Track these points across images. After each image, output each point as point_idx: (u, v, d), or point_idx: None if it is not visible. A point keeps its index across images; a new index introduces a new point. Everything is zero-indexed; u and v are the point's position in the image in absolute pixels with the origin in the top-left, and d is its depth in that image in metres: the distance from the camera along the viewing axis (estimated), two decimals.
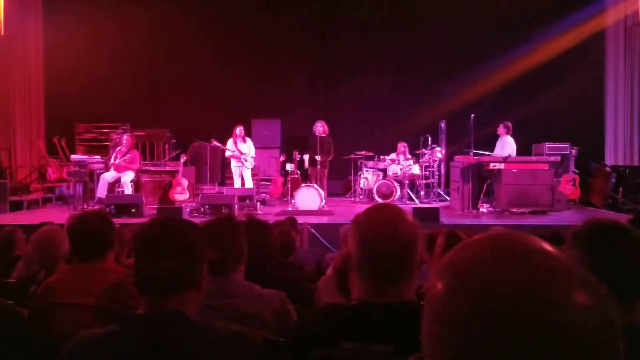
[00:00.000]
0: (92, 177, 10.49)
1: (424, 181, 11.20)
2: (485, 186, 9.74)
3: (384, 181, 10.72)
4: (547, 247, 0.65)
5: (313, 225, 7.79)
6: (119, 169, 10.32)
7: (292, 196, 9.86)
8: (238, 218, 2.76)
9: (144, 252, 1.66)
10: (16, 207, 10.18)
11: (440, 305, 0.65)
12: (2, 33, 11.70)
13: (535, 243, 0.65)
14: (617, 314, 0.61)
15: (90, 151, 12.13)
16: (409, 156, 11.30)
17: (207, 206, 9.00)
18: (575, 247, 1.57)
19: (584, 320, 0.58)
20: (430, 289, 0.67)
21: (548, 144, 10.98)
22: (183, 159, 10.66)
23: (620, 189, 10.27)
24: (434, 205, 10.03)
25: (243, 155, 10.90)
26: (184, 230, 1.70)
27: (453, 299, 0.63)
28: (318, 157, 10.60)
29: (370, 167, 11.21)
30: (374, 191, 10.57)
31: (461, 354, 0.61)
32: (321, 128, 10.78)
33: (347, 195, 11.97)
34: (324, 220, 8.53)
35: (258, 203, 9.99)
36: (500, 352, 0.58)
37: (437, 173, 11.36)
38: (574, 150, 10.47)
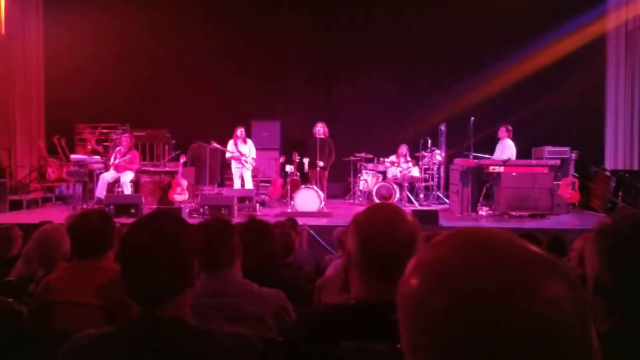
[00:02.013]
0: (92, 177, 10.50)
1: (423, 184, 11.21)
2: (484, 189, 9.74)
3: (383, 183, 10.71)
4: (522, 241, 0.65)
5: (312, 227, 7.79)
6: (119, 169, 10.33)
7: (292, 198, 9.86)
8: (234, 219, 2.78)
9: (129, 263, 1.57)
10: (16, 206, 10.19)
11: (415, 301, 0.65)
12: (3, 32, 11.71)
13: (510, 238, 0.65)
14: (589, 306, 0.62)
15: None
16: (409, 159, 11.30)
17: (206, 207, 9.00)
18: (600, 243, 1.49)
19: (558, 313, 0.59)
20: (404, 283, 0.67)
21: (548, 148, 10.97)
22: (182, 159, 10.67)
23: (620, 193, 10.26)
24: (434, 208, 10.03)
25: (243, 157, 10.91)
26: (171, 235, 1.57)
27: (428, 298, 0.63)
28: (321, 163, 10.60)
29: (370, 170, 11.21)
30: (374, 193, 10.56)
31: (440, 355, 0.61)
32: (321, 129, 10.78)
33: (347, 198, 11.98)
34: (323, 222, 8.53)
35: (257, 204, 10.00)
36: (476, 345, 0.58)
37: (437, 176, 11.37)
38: (574, 154, 10.46)
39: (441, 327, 0.61)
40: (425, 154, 11.06)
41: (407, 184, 10.92)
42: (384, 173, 11.23)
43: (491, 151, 10.47)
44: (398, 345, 0.69)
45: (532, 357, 0.57)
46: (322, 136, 10.76)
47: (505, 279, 0.60)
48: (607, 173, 10.86)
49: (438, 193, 11.35)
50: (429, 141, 11.25)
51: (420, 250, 0.69)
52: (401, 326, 0.67)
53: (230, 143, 10.97)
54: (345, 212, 9.65)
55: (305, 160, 10.93)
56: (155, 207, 9.54)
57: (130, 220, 7.34)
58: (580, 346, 0.59)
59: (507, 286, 0.59)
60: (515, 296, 0.59)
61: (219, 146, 11.03)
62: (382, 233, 1.51)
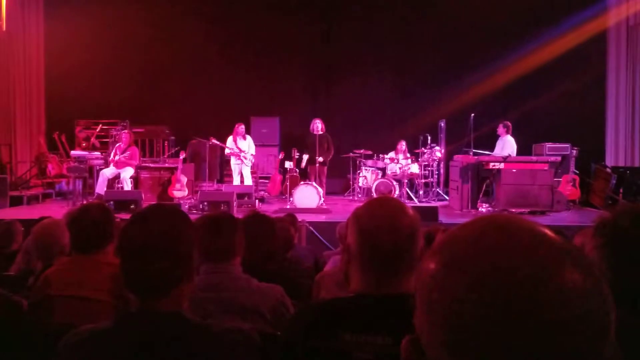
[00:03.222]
0: (92, 173, 10.50)
1: (423, 180, 11.20)
2: (484, 186, 9.74)
3: (382, 180, 10.71)
4: (542, 228, 0.65)
5: (311, 223, 7.81)
6: (119, 165, 10.33)
7: (291, 194, 9.86)
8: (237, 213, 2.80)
9: (129, 253, 1.57)
10: (16, 202, 10.20)
11: (433, 283, 0.65)
12: (4, 29, 11.69)
13: (530, 224, 0.65)
14: (610, 294, 0.61)
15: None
16: (409, 155, 11.30)
17: (205, 203, 9.01)
18: (600, 237, 1.49)
19: (577, 300, 0.58)
20: (423, 269, 0.67)
21: (548, 144, 10.97)
22: (182, 156, 10.68)
23: (621, 190, 10.26)
24: (433, 204, 10.03)
25: (242, 153, 10.90)
26: (170, 225, 1.59)
27: (446, 277, 0.63)
28: (320, 158, 10.59)
29: (369, 166, 11.20)
30: (373, 190, 10.56)
31: (454, 333, 0.61)
32: (319, 125, 10.77)
33: (346, 194, 11.97)
34: (322, 218, 8.54)
35: (256, 200, 10.00)
36: (493, 331, 0.58)
37: (437, 172, 11.36)
38: (574, 151, 10.46)
39: (457, 309, 0.61)
40: (425, 151, 11.05)
41: (406, 181, 10.92)
42: (383, 169, 11.22)
43: (491, 147, 10.47)
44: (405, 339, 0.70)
45: (546, 341, 0.57)
46: (320, 132, 10.75)
47: (524, 263, 0.60)
48: (608, 170, 10.85)
49: (438, 190, 11.35)
50: (429, 138, 11.24)
51: (442, 235, 0.70)
52: (418, 311, 0.67)
53: (230, 139, 10.96)
54: (345, 209, 9.65)
55: (305, 157, 10.94)
56: (154, 203, 9.54)
57: (130, 217, 7.34)
58: (596, 333, 0.59)
59: (526, 270, 0.59)
60: (533, 280, 0.59)
61: (218, 142, 11.03)
62: (382, 226, 1.51)
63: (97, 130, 12.07)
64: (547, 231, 0.65)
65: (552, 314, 0.57)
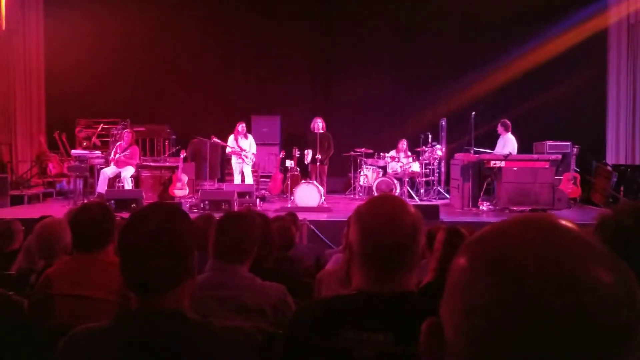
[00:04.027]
0: (93, 172, 10.51)
1: (424, 179, 11.20)
2: (485, 184, 9.73)
3: (383, 179, 10.70)
4: (573, 226, 0.65)
5: (312, 222, 7.79)
6: (119, 164, 10.33)
7: (292, 193, 9.86)
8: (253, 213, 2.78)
9: (128, 252, 1.56)
10: (17, 201, 10.19)
11: (462, 278, 0.64)
12: (4, 28, 11.68)
13: (561, 223, 0.65)
14: (638, 290, 0.61)
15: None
16: (409, 154, 11.29)
17: (206, 202, 9.02)
18: (602, 235, 1.47)
19: (607, 298, 0.58)
20: (454, 264, 0.67)
21: (549, 142, 10.96)
22: (183, 154, 10.68)
23: (622, 188, 10.25)
24: (434, 203, 10.02)
25: (243, 152, 10.90)
26: (169, 224, 1.58)
27: (474, 272, 0.63)
28: (318, 156, 10.58)
29: (370, 165, 11.19)
30: (374, 188, 10.55)
31: (479, 328, 0.61)
32: (320, 124, 10.76)
33: (347, 193, 11.96)
34: (323, 217, 8.53)
35: (257, 199, 10.00)
36: (519, 327, 0.58)
37: (438, 171, 11.35)
38: (575, 149, 10.45)
39: (487, 306, 0.60)
40: (426, 149, 11.04)
41: (407, 179, 10.91)
42: (384, 168, 11.21)
43: (492, 146, 10.45)
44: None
45: (574, 342, 0.57)
46: (321, 131, 10.74)
47: (555, 260, 0.59)
48: (609, 168, 10.85)
49: (439, 188, 11.34)
50: (430, 136, 11.22)
51: (477, 232, 0.70)
52: (446, 306, 0.66)
53: (231, 138, 10.96)
54: (346, 207, 9.65)
55: (307, 152, 10.92)
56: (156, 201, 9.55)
57: None
58: (625, 338, 0.59)
59: (556, 267, 0.59)
60: (563, 277, 0.58)
61: (219, 141, 11.03)
62: (384, 224, 1.51)
63: (99, 129, 12.06)
64: (578, 229, 0.64)
65: (582, 312, 0.57)
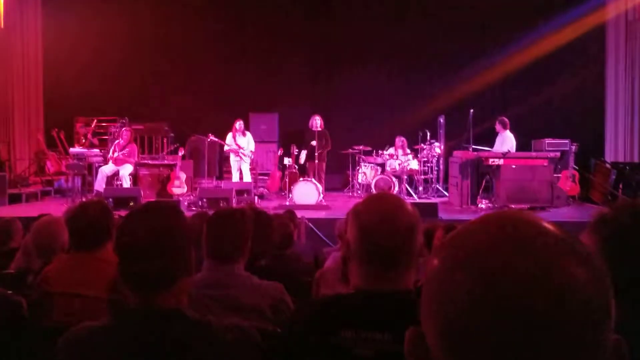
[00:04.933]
0: (91, 170, 10.50)
1: (422, 176, 11.19)
2: (484, 182, 9.74)
3: (382, 176, 10.71)
4: (548, 225, 0.65)
5: (311, 220, 7.80)
6: (118, 162, 10.32)
7: (290, 190, 9.86)
8: (245, 208, 2.76)
9: (125, 251, 1.58)
10: (15, 199, 10.20)
11: (436, 279, 0.65)
12: (2, 26, 11.67)
13: (532, 219, 0.65)
14: (611, 286, 0.62)
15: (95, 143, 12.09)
16: (408, 151, 11.29)
17: (204, 200, 9.02)
18: (597, 234, 1.47)
19: (579, 293, 0.58)
20: (428, 266, 0.68)
21: (548, 140, 10.96)
22: (181, 152, 10.68)
23: (620, 186, 10.26)
24: (433, 200, 10.03)
25: (241, 150, 10.90)
26: (166, 222, 1.59)
27: (447, 273, 0.63)
28: (315, 143, 10.51)
29: (369, 162, 11.19)
30: (372, 186, 10.56)
31: (452, 327, 0.61)
32: (319, 122, 10.76)
33: (345, 190, 11.95)
34: (321, 214, 8.55)
35: (256, 197, 10.00)
36: (491, 325, 0.58)
37: (436, 168, 11.35)
38: (574, 147, 10.45)
39: (460, 305, 0.61)
40: (425, 147, 11.04)
41: (406, 177, 10.92)
42: (382, 166, 11.22)
43: (491, 143, 10.45)
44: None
45: (548, 336, 0.57)
46: (319, 129, 10.73)
47: (525, 258, 0.60)
48: (607, 165, 10.86)
49: (437, 186, 11.34)
50: (428, 133, 11.22)
51: (439, 233, 0.71)
52: (422, 306, 0.67)
53: (229, 136, 10.96)
54: (344, 205, 9.64)
55: (303, 152, 10.93)
56: (153, 200, 9.57)
57: None
58: (597, 325, 0.59)
59: (526, 265, 0.59)
60: (535, 275, 0.59)
61: (217, 139, 11.03)
62: (382, 222, 1.51)
63: (93, 126, 12.06)
64: (549, 225, 0.65)
65: (553, 308, 0.57)
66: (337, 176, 12.30)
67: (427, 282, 0.67)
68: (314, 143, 10.52)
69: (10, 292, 2.56)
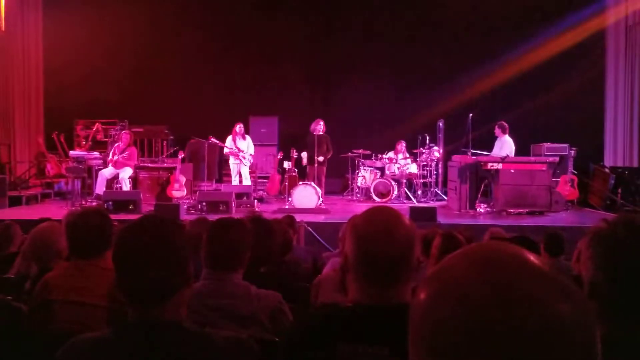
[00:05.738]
0: (91, 173, 10.51)
1: (421, 180, 11.20)
2: (482, 186, 9.75)
3: (381, 180, 10.72)
4: (530, 257, 0.66)
5: (310, 224, 7.80)
6: (117, 165, 10.33)
7: (290, 194, 9.87)
8: (244, 219, 2.77)
9: (124, 264, 1.58)
10: (15, 202, 10.20)
11: (422, 312, 0.66)
12: (3, 29, 11.68)
13: (518, 254, 0.66)
14: (596, 323, 0.63)
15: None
16: (407, 155, 11.30)
17: (204, 203, 9.02)
18: (596, 248, 1.46)
19: (561, 331, 0.60)
20: (414, 299, 0.69)
21: (546, 145, 10.96)
22: (181, 155, 10.68)
23: (619, 191, 10.27)
24: (432, 204, 10.04)
25: (241, 153, 10.91)
26: (164, 235, 1.59)
27: (433, 308, 0.65)
28: (320, 158, 10.57)
29: (368, 166, 11.20)
30: (372, 190, 10.57)
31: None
32: (321, 126, 10.77)
33: (345, 194, 11.96)
34: (320, 218, 8.55)
35: (255, 200, 10.01)
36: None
37: (435, 172, 11.36)
38: (573, 151, 10.45)
39: (442, 339, 0.62)
40: (424, 151, 11.04)
41: (405, 181, 10.93)
42: (382, 169, 11.23)
43: (489, 148, 10.47)
44: None
45: None
46: (321, 133, 10.75)
47: (511, 296, 0.61)
48: (606, 170, 10.86)
49: (436, 190, 11.35)
50: (427, 138, 11.22)
51: (432, 268, 0.72)
52: (410, 342, 0.68)
53: (229, 139, 10.97)
54: (343, 209, 9.67)
55: (303, 155, 10.93)
56: (153, 203, 9.57)
57: (129, 217, 7.35)
58: None
59: (512, 303, 0.60)
60: (520, 313, 0.60)
61: (217, 142, 11.04)
62: (379, 236, 1.52)
63: (93, 130, 12.07)
64: (535, 260, 0.66)
65: (535, 345, 0.58)
66: (337, 180, 12.32)
67: (413, 316, 0.68)
68: (321, 159, 10.53)
69: (9, 298, 2.57)
